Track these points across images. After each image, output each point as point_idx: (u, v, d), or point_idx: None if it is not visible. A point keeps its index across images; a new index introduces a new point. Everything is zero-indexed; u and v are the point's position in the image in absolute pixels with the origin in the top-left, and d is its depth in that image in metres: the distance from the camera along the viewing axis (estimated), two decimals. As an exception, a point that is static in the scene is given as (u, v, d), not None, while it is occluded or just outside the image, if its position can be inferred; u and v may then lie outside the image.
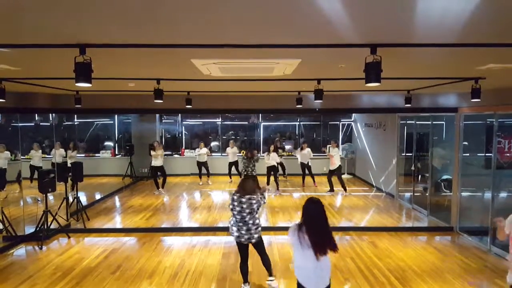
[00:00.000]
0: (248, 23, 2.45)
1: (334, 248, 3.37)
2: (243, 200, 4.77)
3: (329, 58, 3.80)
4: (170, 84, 5.55)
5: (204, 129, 15.86)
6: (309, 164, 12.09)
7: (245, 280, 5.02)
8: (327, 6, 2.06)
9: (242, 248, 4.91)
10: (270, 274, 5.10)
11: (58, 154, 9.12)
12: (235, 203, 4.82)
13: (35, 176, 7.78)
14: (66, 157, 9.80)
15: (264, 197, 4.98)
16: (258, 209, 4.87)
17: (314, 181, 12.23)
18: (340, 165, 10.88)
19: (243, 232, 4.79)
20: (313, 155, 12.34)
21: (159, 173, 11.33)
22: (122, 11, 2.17)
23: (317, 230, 3.34)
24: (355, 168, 14.32)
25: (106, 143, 14.54)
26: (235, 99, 8.10)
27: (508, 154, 6.34)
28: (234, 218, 4.87)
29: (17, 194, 7.52)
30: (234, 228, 4.84)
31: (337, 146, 11.50)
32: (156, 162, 11.08)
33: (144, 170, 13.38)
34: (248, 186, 4.85)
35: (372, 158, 12.42)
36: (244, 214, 4.76)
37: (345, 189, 10.92)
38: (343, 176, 12.45)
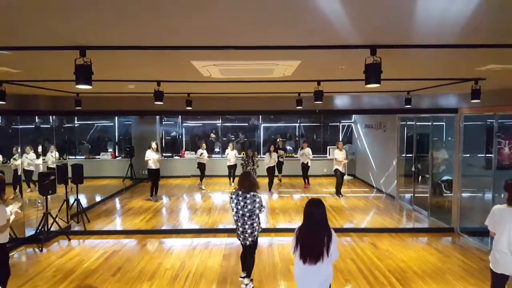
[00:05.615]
0: (248, 25, 2.45)
1: (321, 254, 3.15)
2: (248, 196, 4.69)
3: (329, 60, 3.80)
4: (170, 86, 5.55)
5: (205, 131, 15.87)
6: (309, 164, 12.11)
7: (244, 268, 5.13)
8: (327, 7, 2.06)
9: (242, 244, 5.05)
10: (247, 276, 5.06)
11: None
12: (234, 198, 4.78)
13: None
14: (60, 159, 9.75)
15: (264, 207, 4.87)
16: (259, 211, 4.81)
17: (308, 182, 12.31)
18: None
19: (239, 232, 4.91)
20: (313, 157, 12.35)
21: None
22: (122, 13, 2.17)
23: (309, 233, 3.22)
24: (355, 169, 14.31)
25: (106, 145, 14.57)
26: (235, 100, 8.10)
27: (508, 155, 6.33)
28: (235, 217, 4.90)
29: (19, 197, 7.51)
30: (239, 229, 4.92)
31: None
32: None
33: (144, 172, 13.37)
34: (248, 182, 4.76)
35: (372, 159, 12.41)
36: (246, 210, 4.70)
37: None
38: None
